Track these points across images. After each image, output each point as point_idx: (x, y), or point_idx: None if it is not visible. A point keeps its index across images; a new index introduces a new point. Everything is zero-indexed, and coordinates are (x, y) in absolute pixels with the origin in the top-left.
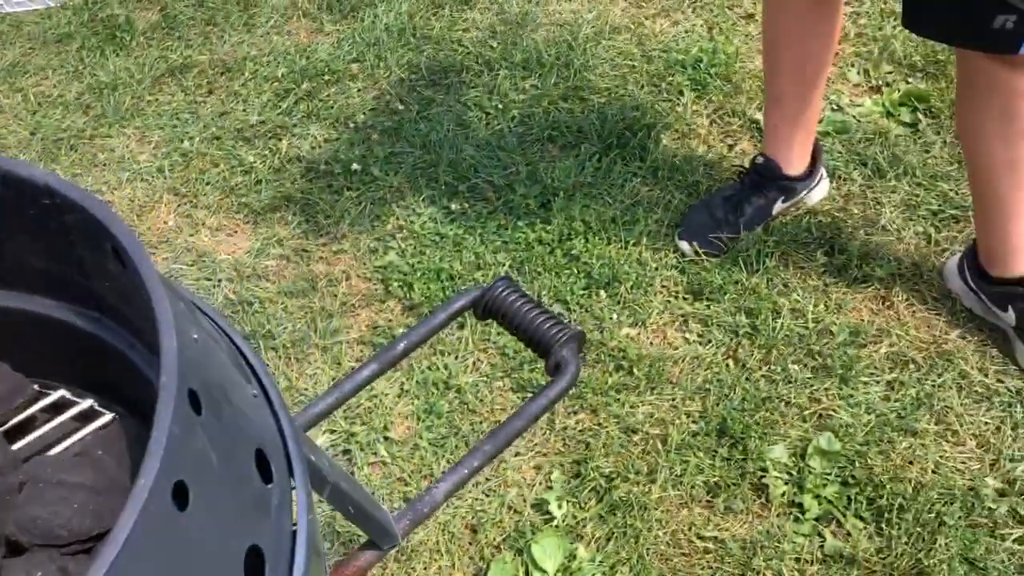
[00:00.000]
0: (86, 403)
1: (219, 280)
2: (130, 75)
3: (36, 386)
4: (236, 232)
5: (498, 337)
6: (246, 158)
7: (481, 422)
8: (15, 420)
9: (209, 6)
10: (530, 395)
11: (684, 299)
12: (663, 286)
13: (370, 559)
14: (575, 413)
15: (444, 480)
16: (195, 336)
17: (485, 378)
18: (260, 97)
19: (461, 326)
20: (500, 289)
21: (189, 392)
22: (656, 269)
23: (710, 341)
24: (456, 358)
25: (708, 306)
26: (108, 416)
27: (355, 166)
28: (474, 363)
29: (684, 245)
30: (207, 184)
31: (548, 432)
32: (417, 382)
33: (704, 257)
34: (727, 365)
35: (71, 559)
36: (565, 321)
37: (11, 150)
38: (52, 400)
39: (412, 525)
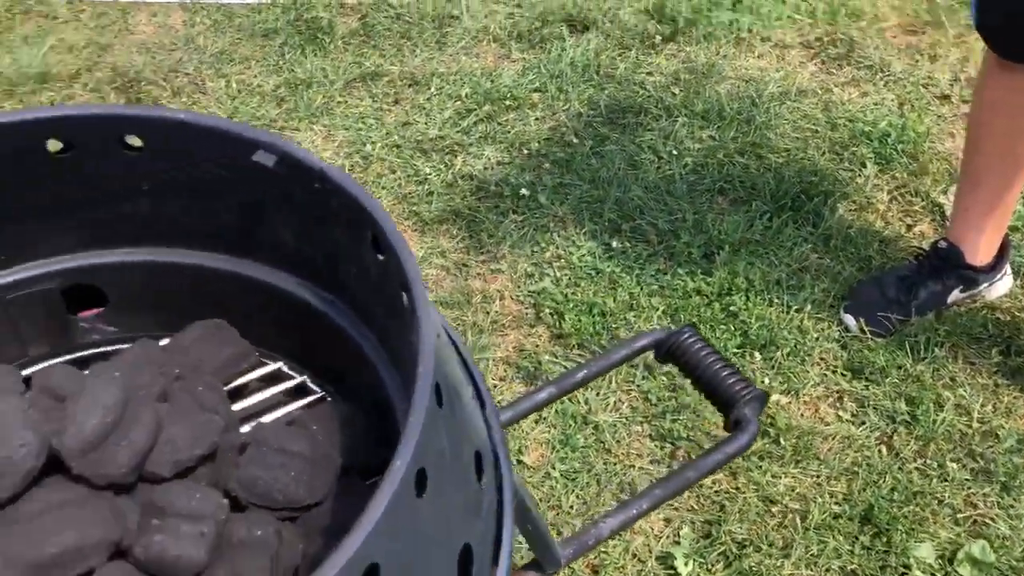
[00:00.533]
0: (300, 378)
1: None
2: (325, 75)
3: (257, 355)
4: (406, 238)
5: (643, 381)
6: (422, 169)
7: (615, 463)
8: (235, 383)
9: (406, 20)
10: (670, 445)
11: (842, 375)
12: (821, 358)
13: None
14: (714, 474)
15: (612, 516)
16: (438, 334)
17: (624, 420)
18: (442, 113)
19: None
20: (687, 336)
21: (435, 385)
22: (816, 339)
23: (864, 423)
24: (598, 395)
25: (867, 386)
26: (319, 394)
27: (524, 191)
28: (615, 403)
29: (850, 320)
30: (382, 188)
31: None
32: (556, 411)
33: (869, 335)
34: (880, 451)
35: (282, 524)
36: (749, 380)
37: None
38: (270, 370)
39: (575, 555)
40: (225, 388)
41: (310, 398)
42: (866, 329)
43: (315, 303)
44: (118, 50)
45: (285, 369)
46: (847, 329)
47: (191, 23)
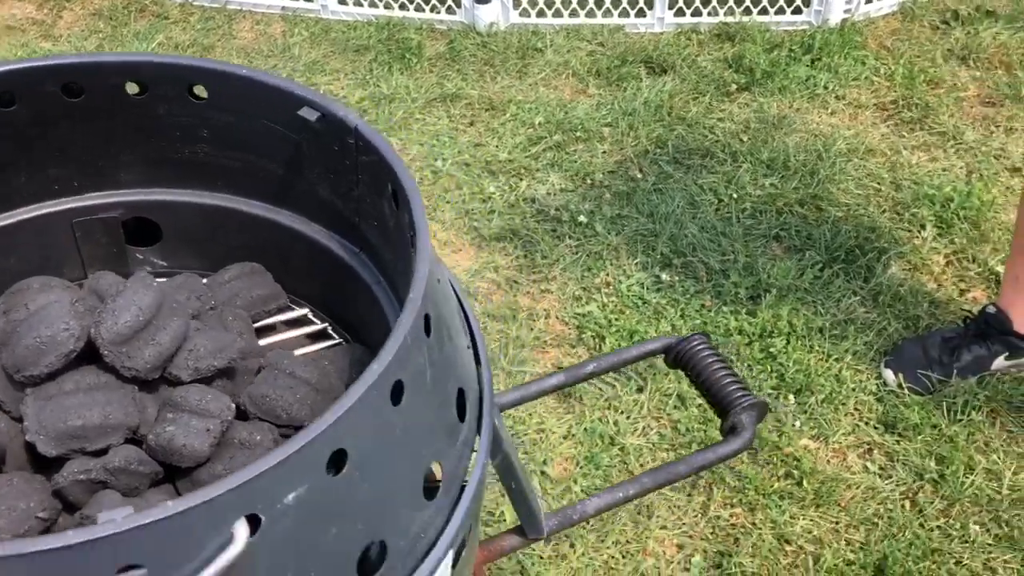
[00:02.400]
0: (323, 325)
1: None
2: (407, 92)
3: (287, 299)
4: (461, 250)
5: (674, 411)
6: (487, 188)
7: None
8: (264, 322)
9: (491, 49)
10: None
11: (875, 428)
12: (856, 408)
13: (513, 543)
14: (732, 506)
15: (598, 497)
16: (439, 279)
17: (651, 445)
18: (514, 138)
19: (640, 389)
20: (696, 343)
21: (426, 316)
22: (852, 390)
23: (891, 477)
24: (628, 418)
25: (898, 441)
26: (338, 340)
27: (582, 218)
28: (644, 428)
29: (889, 375)
30: (447, 202)
31: (699, 516)
32: (585, 429)
33: (907, 391)
34: (903, 505)
35: (279, 437)
36: (750, 389)
37: None
38: (296, 315)
39: (558, 527)
40: (254, 325)
41: (330, 343)
42: (904, 385)
43: (342, 254)
44: (219, 52)
45: (310, 316)
46: (885, 383)
47: (290, 33)
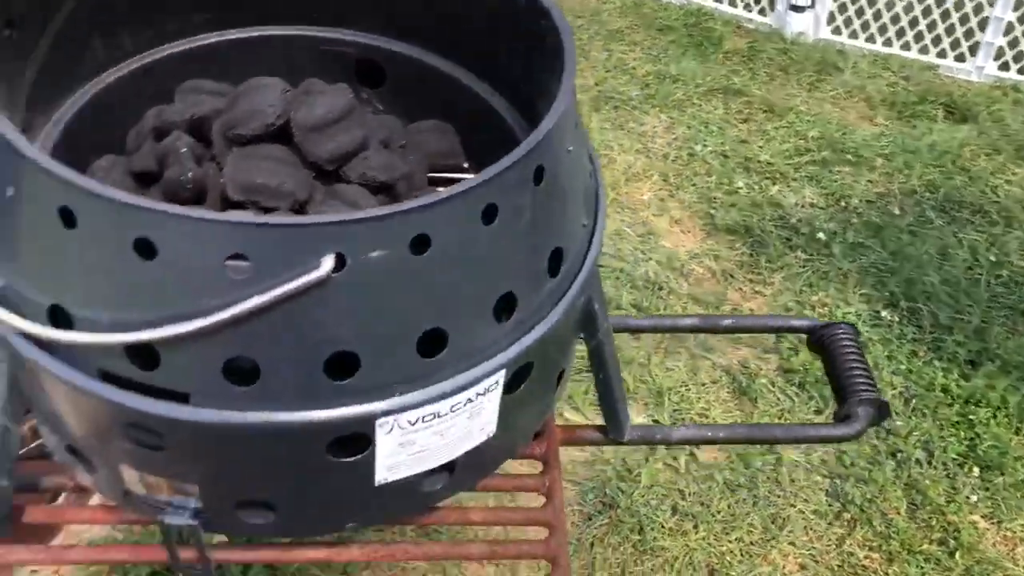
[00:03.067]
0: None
1: (649, 257)
2: (692, 77)
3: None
4: (689, 232)
5: (848, 444)
6: (736, 182)
7: (778, 497)
8: (438, 174)
9: (791, 56)
10: (839, 505)
11: None
12: None
13: (591, 436)
14: (870, 549)
15: (687, 428)
16: (569, 148)
17: (809, 466)
18: (782, 144)
19: (819, 411)
20: (841, 331)
21: (538, 168)
22: None
23: None
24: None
25: None
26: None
27: (821, 236)
28: (808, 447)
29: None
30: (692, 185)
31: (833, 545)
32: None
33: None
34: None
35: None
36: (876, 385)
37: None
38: (465, 177)
39: (640, 440)
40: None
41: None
42: None
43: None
44: None
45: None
46: None
47: (604, 1)
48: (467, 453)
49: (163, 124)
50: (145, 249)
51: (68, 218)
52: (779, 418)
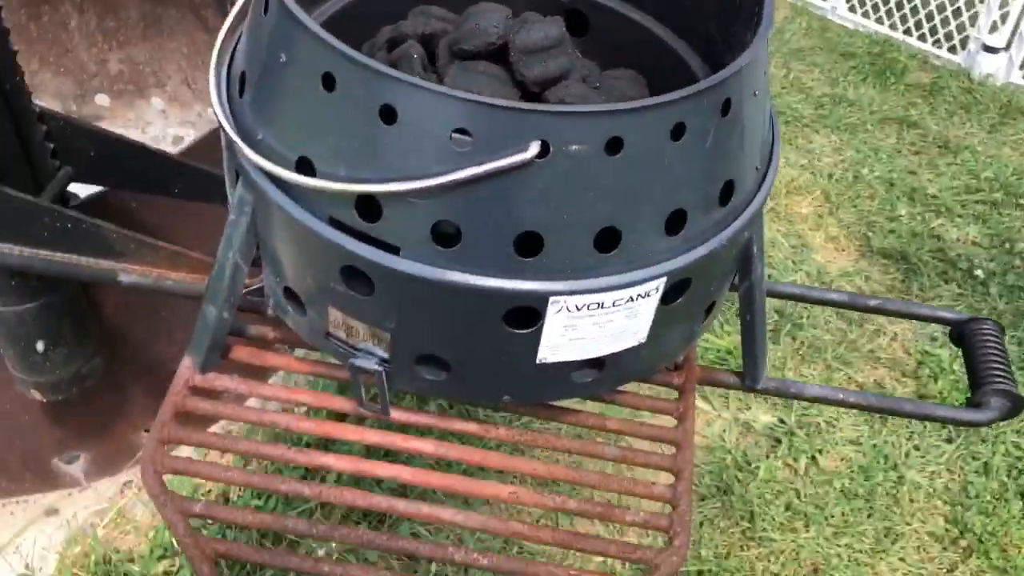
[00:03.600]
0: None
1: (800, 268)
2: (869, 104)
3: None
4: (844, 251)
5: (975, 476)
6: (899, 210)
7: (894, 513)
8: None
9: (975, 96)
10: (956, 531)
11: None
12: None
13: (728, 380)
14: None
15: (819, 388)
16: (756, 93)
17: (931, 490)
18: (952, 180)
19: (949, 439)
20: (987, 326)
21: (726, 100)
22: None
23: None
24: (922, 456)
25: None
26: None
27: (979, 273)
28: (934, 472)
29: None
30: (853, 206)
31: (945, 570)
32: (874, 446)
33: None
34: None
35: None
36: (1013, 377)
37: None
38: None
39: (774, 391)
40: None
41: None
42: None
43: (701, 77)
44: None
45: None
46: None
47: (790, 19)
48: (617, 354)
49: (398, 36)
50: (388, 115)
51: (329, 82)
52: (907, 440)
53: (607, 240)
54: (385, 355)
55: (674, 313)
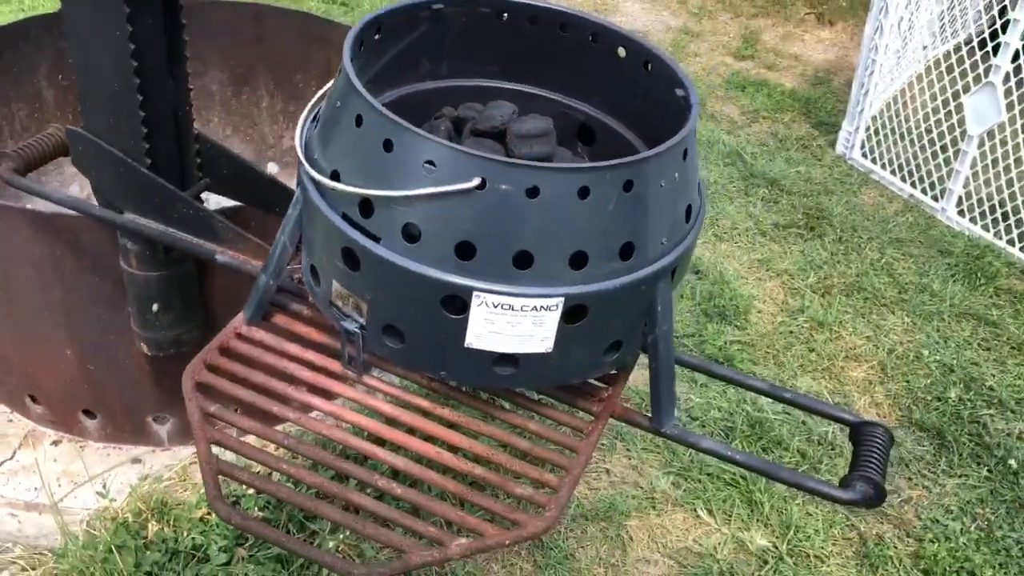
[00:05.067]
0: None
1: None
2: (951, 297)
3: None
4: (884, 416)
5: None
6: (949, 393)
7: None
8: None
9: None
10: None
11: None
12: None
13: (639, 420)
14: None
15: (711, 442)
16: (663, 184)
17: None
18: (1016, 380)
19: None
20: (879, 431)
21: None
22: None
23: None
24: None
25: None
26: None
27: (1012, 463)
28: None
29: None
30: (906, 381)
31: None
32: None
33: None
34: None
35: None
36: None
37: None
38: None
39: (675, 437)
40: None
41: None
42: None
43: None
44: (839, 199)
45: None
46: None
47: (901, 212)
48: (529, 355)
49: (440, 115)
50: (388, 146)
51: (359, 121)
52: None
53: (523, 260)
54: (363, 322)
55: (575, 334)
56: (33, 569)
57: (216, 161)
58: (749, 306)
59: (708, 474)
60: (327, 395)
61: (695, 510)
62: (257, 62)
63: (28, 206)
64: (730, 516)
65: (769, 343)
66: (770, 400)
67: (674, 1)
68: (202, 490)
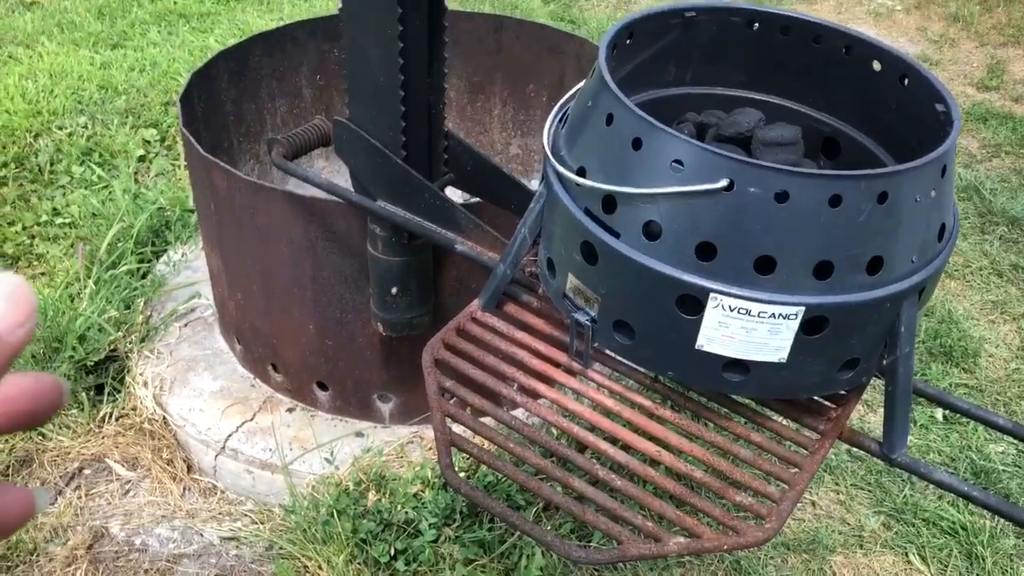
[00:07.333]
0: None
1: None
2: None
3: None
4: None
5: None
6: None
7: None
8: None
9: None
10: None
11: None
12: None
13: (866, 443)
14: None
15: (950, 476)
16: (918, 199)
17: None
18: None
19: None
20: None
21: (883, 191)
22: None
23: None
24: None
25: None
26: None
27: None
28: None
29: None
30: None
31: None
32: None
33: None
34: None
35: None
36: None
37: None
38: None
39: (905, 466)
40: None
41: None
42: None
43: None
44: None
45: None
46: None
47: None
48: (760, 363)
49: (684, 120)
50: (637, 144)
51: (609, 120)
52: None
53: (764, 265)
54: (594, 315)
55: (812, 347)
56: (262, 523)
57: (460, 157)
58: (979, 349)
59: (924, 519)
60: (551, 383)
61: (906, 554)
62: (494, 71)
63: (289, 188)
64: (946, 566)
65: (1000, 390)
66: (1000, 451)
67: (913, 27)
68: (417, 468)
